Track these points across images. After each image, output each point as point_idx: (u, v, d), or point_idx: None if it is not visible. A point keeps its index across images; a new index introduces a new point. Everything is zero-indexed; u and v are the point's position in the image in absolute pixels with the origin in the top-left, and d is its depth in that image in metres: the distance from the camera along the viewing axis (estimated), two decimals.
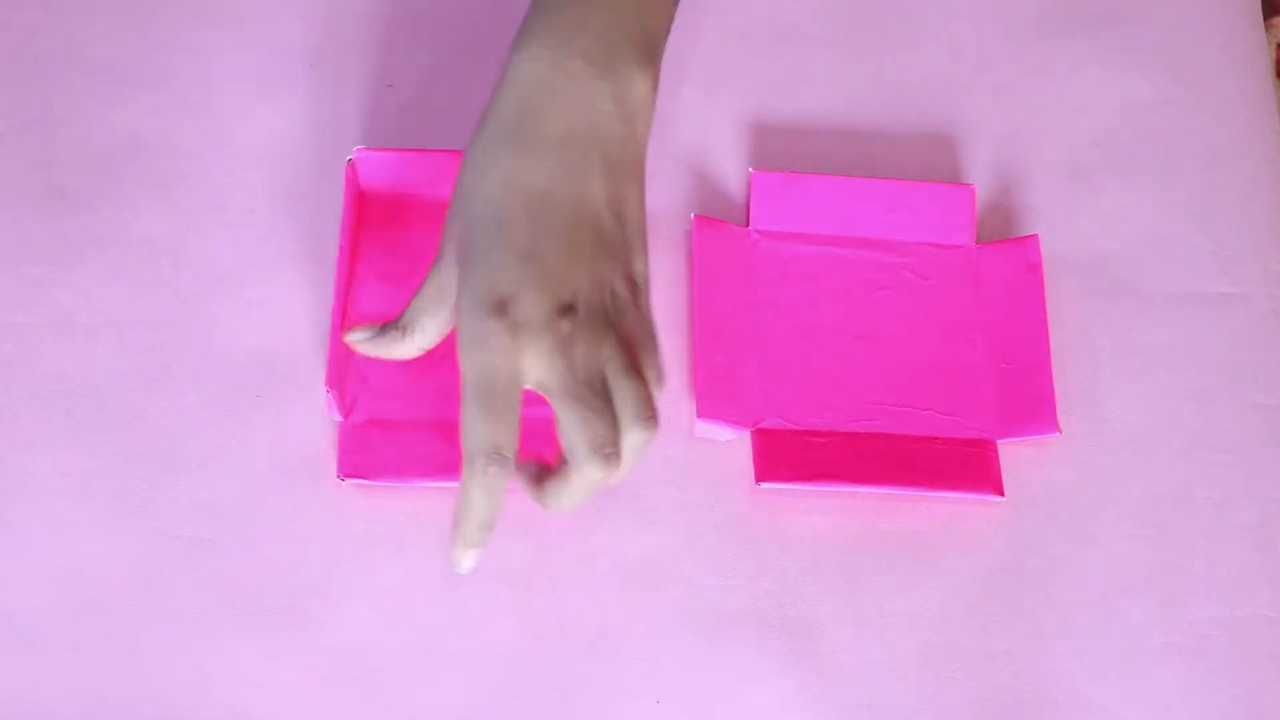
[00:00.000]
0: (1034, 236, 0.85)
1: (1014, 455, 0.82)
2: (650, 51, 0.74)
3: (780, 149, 0.88)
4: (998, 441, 0.81)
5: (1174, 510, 0.81)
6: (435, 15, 0.90)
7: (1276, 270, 0.87)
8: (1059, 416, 0.82)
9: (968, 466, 0.80)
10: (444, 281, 0.72)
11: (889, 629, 0.78)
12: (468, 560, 0.71)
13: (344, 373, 0.79)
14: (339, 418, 0.79)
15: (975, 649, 0.78)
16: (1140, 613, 0.79)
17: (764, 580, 0.79)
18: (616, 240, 0.72)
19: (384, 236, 0.83)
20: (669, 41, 0.89)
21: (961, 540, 0.80)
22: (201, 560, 0.77)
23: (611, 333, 0.71)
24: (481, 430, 0.69)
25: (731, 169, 0.87)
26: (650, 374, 0.72)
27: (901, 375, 0.83)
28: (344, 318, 0.79)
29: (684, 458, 0.81)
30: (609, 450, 0.70)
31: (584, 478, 0.70)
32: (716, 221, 0.85)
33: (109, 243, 0.83)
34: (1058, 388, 0.83)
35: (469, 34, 0.89)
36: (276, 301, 0.82)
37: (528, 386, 0.70)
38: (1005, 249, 0.85)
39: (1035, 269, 0.84)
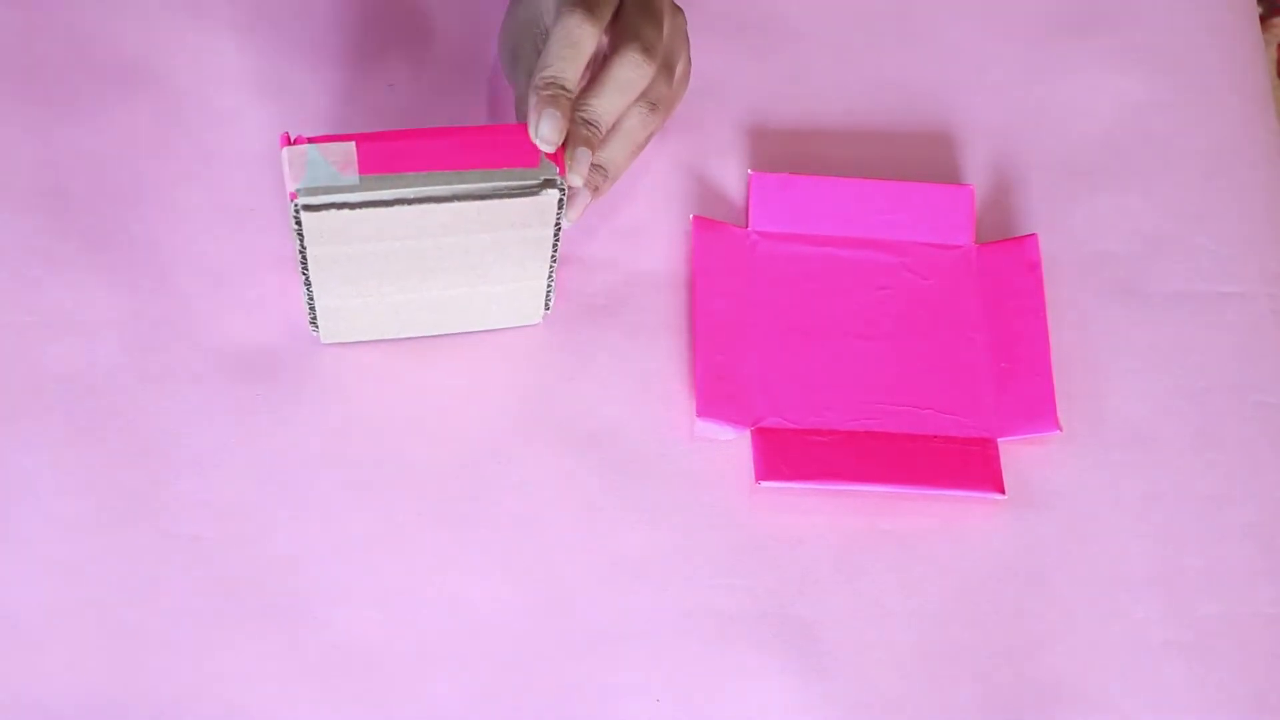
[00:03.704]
0: (1033, 236, 0.85)
1: (1015, 453, 0.82)
2: None
3: (779, 150, 0.88)
4: (998, 440, 0.82)
5: (1175, 508, 0.81)
6: (436, 16, 0.90)
7: (1275, 269, 0.87)
8: (1059, 415, 0.82)
9: (968, 464, 0.80)
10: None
11: (890, 627, 0.78)
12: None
13: None
14: None
15: (976, 647, 0.78)
16: (1142, 610, 0.79)
17: (764, 579, 0.79)
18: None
19: None
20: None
21: (962, 538, 0.80)
22: (201, 559, 0.77)
23: None
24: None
25: (730, 170, 0.88)
26: None
27: (901, 374, 0.83)
28: None
29: (684, 457, 0.81)
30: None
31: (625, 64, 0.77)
32: (716, 222, 0.85)
33: (109, 243, 0.83)
34: (1058, 386, 0.83)
35: (469, 34, 0.89)
36: (276, 301, 0.82)
37: None
38: (1004, 249, 0.85)
39: (1034, 268, 0.85)
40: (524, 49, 0.80)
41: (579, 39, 0.76)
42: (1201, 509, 0.81)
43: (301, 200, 0.73)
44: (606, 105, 0.77)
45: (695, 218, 0.85)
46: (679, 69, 0.82)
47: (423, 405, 0.81)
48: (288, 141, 0.73)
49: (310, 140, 0.73)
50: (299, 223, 0.73)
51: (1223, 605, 0.79)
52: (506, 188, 0.74)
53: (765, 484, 0.80)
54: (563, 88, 0.75)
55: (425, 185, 0.74)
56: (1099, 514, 0.81)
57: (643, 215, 0.86)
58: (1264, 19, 1.47)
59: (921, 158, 0.88)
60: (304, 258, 0.75)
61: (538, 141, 0.74)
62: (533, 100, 0.75)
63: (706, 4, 0.91)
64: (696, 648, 0.77)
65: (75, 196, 0.84)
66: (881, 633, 0.78)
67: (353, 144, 0.74)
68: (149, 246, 0.83)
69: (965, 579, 0.79)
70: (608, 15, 0.77)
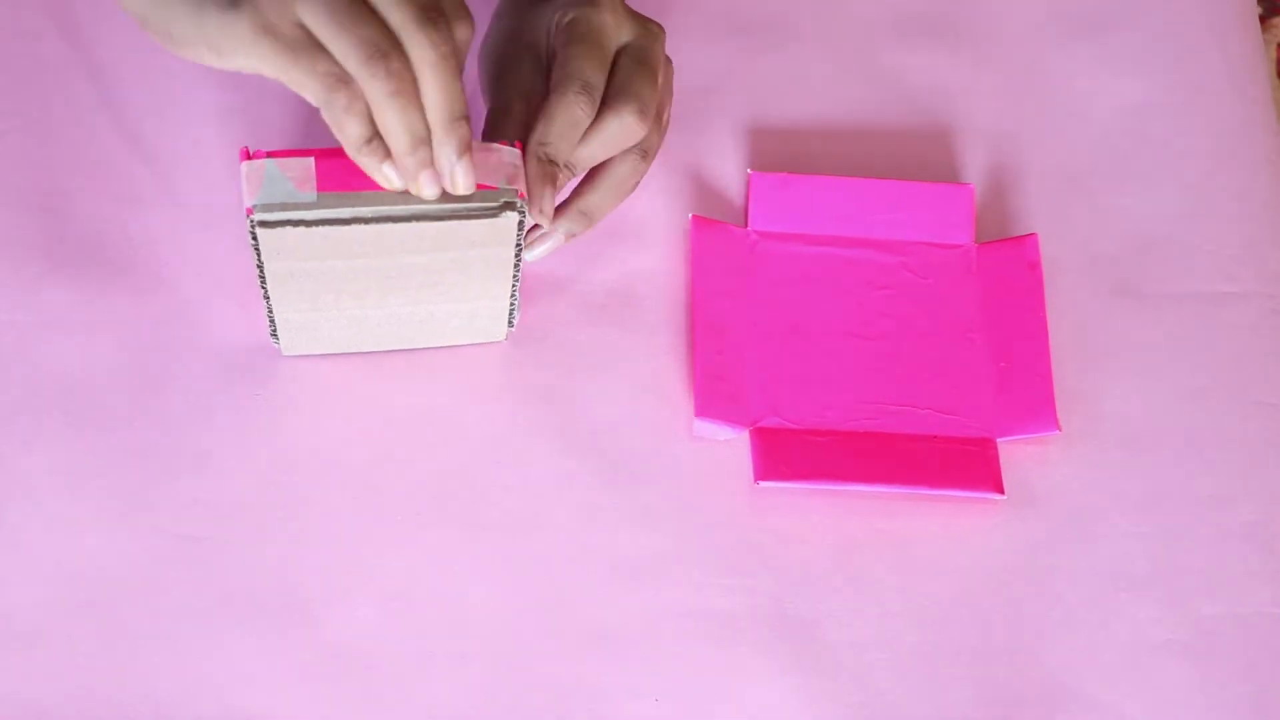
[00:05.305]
0: (1033, 236, 0.85)
1: (1014, 453, 0.82)
2: None
3: (778, 149, 0.88)
4: (998, 440, 0.81)
5: (1175, 508, 0.81)
6: None
7: (1274, 270, 0.87)
8: (1059, 415, 0.82)
9: (968, 465, 0.80)
10: None
11: (889, 628, 0.78)
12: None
13: None
14: None
15: (976, 647, 0.78)
16: (1142, 610, 0.79)
17: (763, 579, 0.79)
18: None
19: None
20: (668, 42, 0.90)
21: (962, 538, 0.80)
22: (200, 559, 0.77)
23: None
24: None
25: (730, 170, 0.88)
26: None
27: (901, 374, 0.83)
28: None
29: (683, 457, 0.81)
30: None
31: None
32: (715, 222, 0.85)
33: (109, 243, 0.83)
34: (1057, 386, 0.83)
35: None
36: None
37: None
38: (1004, 249, 0.85)
39: (1034, 268, 0.85)
40: (509, 63, 0.79)
41: (580, 121, 0.75)
42: (1201, 509, 0.81)
43: (257, 216, 0.72)
44: (588, 155, 0.77)
45: (694, 217, 0.85)
46: (664, 116, 0.81)
47: (422, 405, 0.81)
48: (247, 156, 0.73)
49: (269, 155, 0.73)
50: (255, 238, 0.73)
51: (1223, 605, 0.79)
52: (465, 209, 0.73)
53: (764, 484, 0.80)
54: (555, 163, 0.75)
55: (383, 204, 0.73)
56: (1099, 514, 0.81)
57: (643, 215, 0.86)
58: (1264, 19, 1.47)
59: (921, 158, 0.88)
60: (262, 272, 0.75)
61: (537, 215, 0.74)
62: (535, 171, 0.74)
63: (706, 4, 0.91)
64: (696, 648, 0.77)
65: (75, 196, 0.84)
66: (880, 633, 0.78)
67: (311, 160, 0.73)
68: (148, 246, 0.83)
69: (965, 579, 0.79)
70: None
